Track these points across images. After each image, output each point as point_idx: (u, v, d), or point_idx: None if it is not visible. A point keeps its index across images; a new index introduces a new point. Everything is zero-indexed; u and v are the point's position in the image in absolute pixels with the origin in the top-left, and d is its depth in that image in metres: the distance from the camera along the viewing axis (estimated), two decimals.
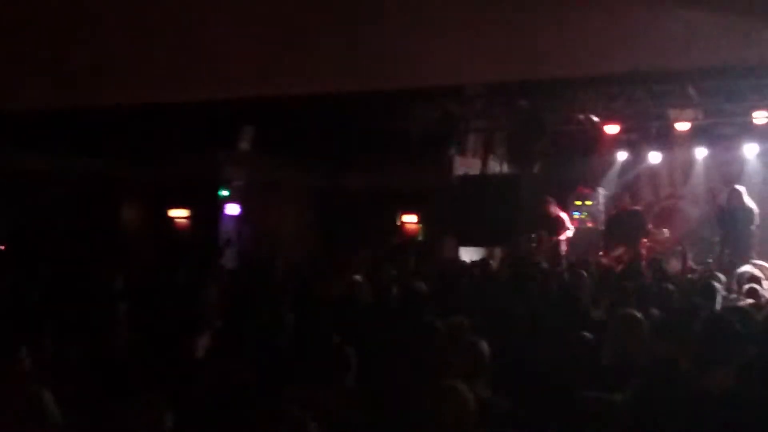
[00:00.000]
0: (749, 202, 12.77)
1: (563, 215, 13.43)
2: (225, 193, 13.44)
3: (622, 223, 13.11)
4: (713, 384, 4.22)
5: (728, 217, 12.40)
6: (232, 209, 13.52)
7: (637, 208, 13.43)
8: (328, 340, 5.39)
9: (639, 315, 5.42)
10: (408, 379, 3.94)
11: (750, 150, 14.58)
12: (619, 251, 13.00)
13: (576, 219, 14.82)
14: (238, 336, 5.79)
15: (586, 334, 5.05)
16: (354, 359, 4.78)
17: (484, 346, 4.73)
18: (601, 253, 13.54)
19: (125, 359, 5.82)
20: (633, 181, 15.59)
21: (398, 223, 14.28)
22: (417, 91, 12.28)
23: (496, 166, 15.21)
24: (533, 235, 12.73)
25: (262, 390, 4.69)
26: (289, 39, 7.88)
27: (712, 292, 7.41)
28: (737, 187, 12.91)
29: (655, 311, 6.34)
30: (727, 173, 14.93)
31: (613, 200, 15.35)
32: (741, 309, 5.94)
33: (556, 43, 8.11)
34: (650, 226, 13.58)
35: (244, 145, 13.18)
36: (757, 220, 12.51)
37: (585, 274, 8.88)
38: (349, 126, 12.85)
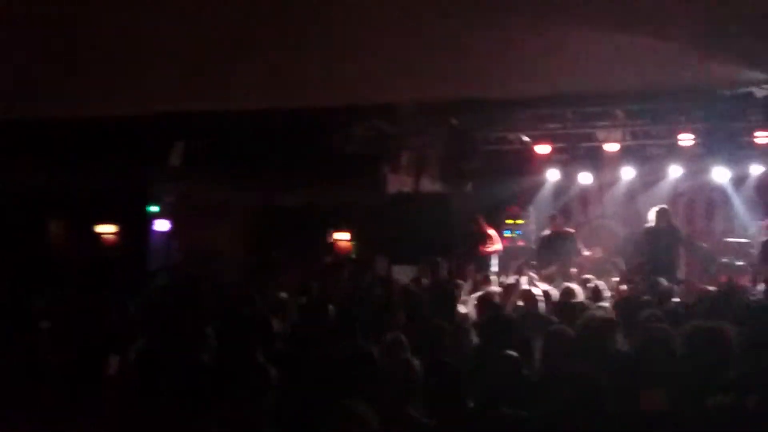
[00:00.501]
0: (675, 222, 13.06)
1: (494, 234, 13.53)
2: (154, 208, 13.21)
3: (554, 244, 13.20)
4: (642, 403, 4.23)
5: (653, 237, 12.62)
6: (162, 225, 13.29)
7: (570, 229, 13.54)
8: (252, 358, 5.29)
9: (568, 331, 5.46)
10: (329, 400, 3.89)
11: (676, 171, 14.92)
12: (551, 270, 13.11)
13: (507, 238, 14.95)
14: (159, 354, 5.64)
15: (511, 352, 5.06)
16: (276, 378, 4.69)
17: (417, 364, 4.71)
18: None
19: (44, 377, 5.66)
20: (563, 201, 15.80)
21: (331, 241, 14.21)
22: (350, 109, 12.27)
23: (428, 185, 15.25)
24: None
25: (183, 407, 4.59)
26: (223, 55, 7.80)
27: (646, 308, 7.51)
28: (663, 207, 13.17)
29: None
30: (654, 193, 15.25)
31: (544, 220, 15.55)
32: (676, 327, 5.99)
33: (487, 64, 8.19)
34: (582, 245, 13.68)
35: (175, 160, 12.98)
36: (682, 239, 12.77)
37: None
38: (281, 143, 12.76)
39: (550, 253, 12.83)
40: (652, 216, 12.96)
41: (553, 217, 13.62)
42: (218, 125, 11.06)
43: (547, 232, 13.43)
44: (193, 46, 7.56)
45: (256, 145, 12.50)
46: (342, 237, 14.18)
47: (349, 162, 13.07)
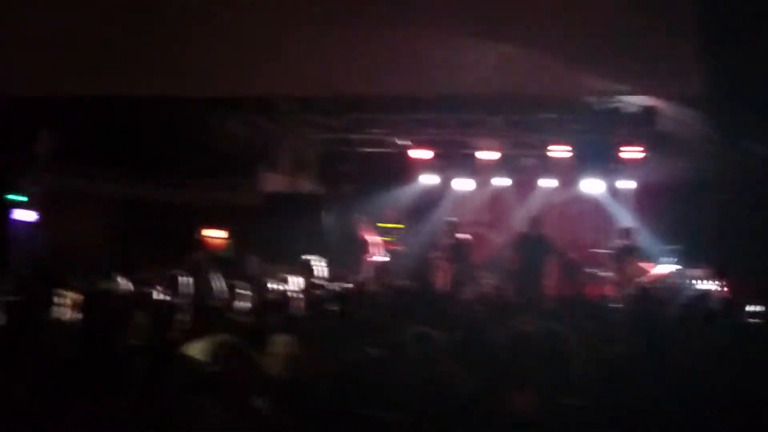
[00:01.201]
0: (546, 231, 13.35)
1: (373, 237, 13.50)
2: (15, 197, 12.57)
3: (456, 252, 13.38)
4: (510, 405, 4.24)
5: (524, 245, 12.86)
6: (23, 215, 12.66)
7: (467, 237, 13.65)
8: (113, 351, 5.11)
9: (432, 333, 5.43)
10: (183, 395, 3.79)
11: (549, 181, 15.27)
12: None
13: (383, 241, 14.91)
14: (14, 345, 5.37)
15: (372, 351, 5.05)
16: (139, 372, 4.53)
17: (261, 365, 4.73)
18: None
19: None
20: (440, 207, 15.92)
21: (202, 238, 13.84)
22: (228, 104, 12.04)
23: (305, 185, 15.11)
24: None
25: (37, 402, 4.36)
26: (94, 38, 7.50)
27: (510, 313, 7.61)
28: (534, 215, 13.44)
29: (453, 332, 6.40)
30: (527, 202, 15.57)
31: (421, 224, 15.69)
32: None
33: (365, 62, 8.16)
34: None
35: (40, 148, 12.39)
36: (551, 248, 13.05)
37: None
38: (156, 137, 12.40)
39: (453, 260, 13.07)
40: (524, 224, 13.22)
41: (452, 225, 13.72)
42: (88, 112, 10.63)
43: (450, 240, 13.52)
44: (61, 28, 7.25)
45: (129, 136, 12.09)
46: (214, 234, 13.84)
47: (225, 158, 12.80)
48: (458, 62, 8.15)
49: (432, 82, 8.51)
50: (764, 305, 9.17)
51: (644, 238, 13.05)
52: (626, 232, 12.91)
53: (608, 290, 13.00)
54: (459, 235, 13.47)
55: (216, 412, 3.46)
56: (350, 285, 9.95)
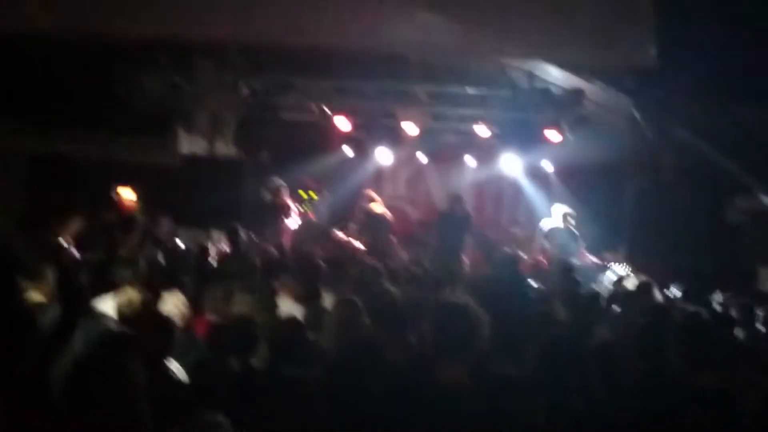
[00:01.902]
0: (467, 209, 13.32)
1: (292, 205, 13.26)
2: None
3: (369, 225, 13.26)
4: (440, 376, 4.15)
5: (444, 222, 12.81)
6: None
7: (383, 213, 13.53)
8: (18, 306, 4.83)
9: (357, 301, 5.38)
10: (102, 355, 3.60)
11: (471, 159, 15.22)
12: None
13: (299, 211, 14.68)
14: None
15: (295, 316, 5.00)
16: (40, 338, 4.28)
17: (173, 323, 4.79)
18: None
19: None
20: (358, 178, 15.74)
21: (114, 198, 13.31)
22: (144, 58, 11.61)
23: (223, 148, 14.72)
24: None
25: None
26: None
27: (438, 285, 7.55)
28: (457, 193, 13.37)
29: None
30: (448, 179, 15.53)
31: (339, 195, 15.53)
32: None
33: (285, 12, 7.84)
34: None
35: None
36: (470, 227, 13.01)
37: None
38: (66, 88, 11.86)
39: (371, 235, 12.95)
40: (444, 201, 13.16)
41: (369, 198, 13.60)
42: None
43: (366, 212, 13.42)
44: None
45: (38, 88, 11.52)
46: (126, 194, 13.32)
47: (139, 115, 12.30)
48: (379, 21, 7.96)
49: (351, 37, 8.28)
50: (676, 288, 9.32)
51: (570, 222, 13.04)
52: (564, 216, 12.90)
53: (525, 269, 13.05)
54: (376, 209, 13.35)
55: (130, 370, 3.26)
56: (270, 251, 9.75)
